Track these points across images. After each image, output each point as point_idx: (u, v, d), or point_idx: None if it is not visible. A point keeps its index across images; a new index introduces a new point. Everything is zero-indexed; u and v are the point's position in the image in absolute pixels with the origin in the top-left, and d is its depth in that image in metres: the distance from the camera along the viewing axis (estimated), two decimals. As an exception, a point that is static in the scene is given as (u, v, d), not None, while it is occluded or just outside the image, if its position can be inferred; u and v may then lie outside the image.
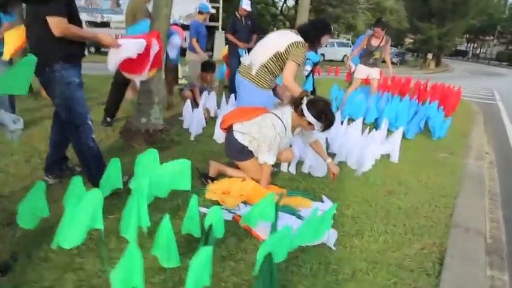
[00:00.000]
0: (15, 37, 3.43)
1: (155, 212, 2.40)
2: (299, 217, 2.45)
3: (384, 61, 5.94)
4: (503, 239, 2.72)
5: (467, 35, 50.95)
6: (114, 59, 2.56)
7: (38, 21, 2.22)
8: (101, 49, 14.75)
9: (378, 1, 26.18)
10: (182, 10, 15.97)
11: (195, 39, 6.05)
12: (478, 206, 3.04)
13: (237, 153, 2.83)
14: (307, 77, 7.71)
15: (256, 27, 6.81)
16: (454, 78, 18.59)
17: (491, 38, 52.61)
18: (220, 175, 2.99)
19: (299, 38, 2.96)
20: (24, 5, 2.43)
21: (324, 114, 2.64)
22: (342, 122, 4.13)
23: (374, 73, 5.74)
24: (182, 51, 9.69)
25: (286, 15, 24.33)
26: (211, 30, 18.00)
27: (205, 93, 5.22)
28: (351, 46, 21.15)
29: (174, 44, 4.82)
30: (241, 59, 5.59)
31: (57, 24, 2.19)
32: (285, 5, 26.49)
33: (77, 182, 1.99)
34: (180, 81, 8.17)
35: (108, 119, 4.48)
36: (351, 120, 4.33)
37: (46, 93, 2.54)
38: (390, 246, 2.28)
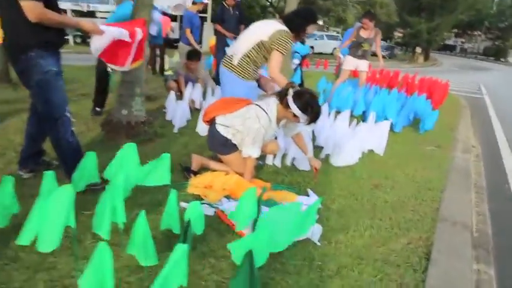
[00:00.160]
0: None
1: (134, 207, 2.31)
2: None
3: (374, 54, 5.89)
4: (489, 233, 2.70)
5: (456, 30, 51.39)
6: (97, 43, 2.45)
7: (12, 6, 2.08)
8: (86, 39, 14.43)
9: (367, -6, 26.11)
10: (170, 1, 15.66)
11: (189, 29, 5.90)
12: (464, 200, 3.01)
13: (220, 146, 2.74)
14: (295, 69, 7.64)
15: (244, 17, 6.68)
16: (442, 72, 18.72)
17: (479, 33, 53.17)
18: (204, 169, 2.90)
19: (283, 27, 2.87)
20: None
21: (310, 107, 2.56)
22: (329, 114, 4.06)
23: (362, 65, 5.67)
24: (169, 42, 9.55)
25: (276, 7, 24.12)
26: (201, 22, 17.78)
27: (190, 84, 5.08)
28: (340, 39, 21.10)
29: (153, 19, 4.68)
30: (226, 49, 5.48)
31: (31, 9, 2.05)
32: (274, -4, 26.25)
33: (49, 178, 1.88)
34: (166, 73, 8.01)
35: (98, 109, 4.42)
36: (338, 112, 4.26)
37: (22, 82, 2.40)
38: (376, 241, 2.23)
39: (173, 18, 14.99)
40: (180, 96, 4.98)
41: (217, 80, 5.54)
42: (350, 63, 5.70)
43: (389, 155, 3.80)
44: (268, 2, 25.79)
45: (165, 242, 2.03)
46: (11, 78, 5.63)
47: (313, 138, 3.80)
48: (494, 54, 51.25)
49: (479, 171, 4.02)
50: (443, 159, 3.95)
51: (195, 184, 2.64)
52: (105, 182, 2.21)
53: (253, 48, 2.85)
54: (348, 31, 7.18)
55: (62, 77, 2.41)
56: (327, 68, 12.08)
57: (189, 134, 3.92)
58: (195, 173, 2.83)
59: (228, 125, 2.68)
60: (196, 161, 2.87)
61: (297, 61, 7.51)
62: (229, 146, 2.70)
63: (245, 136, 2.61)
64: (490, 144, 5.37)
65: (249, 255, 1.52)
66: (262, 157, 3.16)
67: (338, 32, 28.41)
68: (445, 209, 2.72)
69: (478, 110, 8.27)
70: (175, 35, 16.33)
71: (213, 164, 2.87)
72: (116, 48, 2.60)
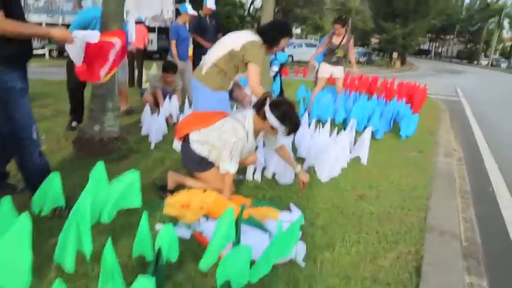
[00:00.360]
0: None
1: (105, 231, 2.14)
2: (265, 231, 2.24)
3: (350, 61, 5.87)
4: (478, 240, 2.63)
5: (430, 35, 52.96)
6: (74, 52, 2.30)
7: None
8: (64, 53, 14.08)
9: (343, 2, 26.59)
10: (148, 11, 15.51)
11: (174, 41, 5.73)
12: (450, 207, 2.94)
13: (195, 164, 2.59)
14: (274, 77, 7.57)
15: (222, 26, 6.60)
16: (419, 76, 19.10)
17: (451, 37, 54.91)
18: (181, 186, 2.74)
19: (256, 38, 2.78)
20: None
21: (288, 117, 2.43)
22: (309, 124, 3.97)
23: (337, 72, 5.63)
24: (147, 55, 9.35)
25: (254, 17, 24.26)
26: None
27: (167, 97, 4.92)
28: (318, 47, 21.32)
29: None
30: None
31: None
32: (252, 6, 26.44)
33: (5, 204, 1.70)
34: (144, 85, 7.82)
35: (73, 124, 4.22)
36: (319, 121, 4.18)
37: None
38: (363, 257, 2.11)
39: (151, 29, 14.82)
40: (157, 109, 4.81)
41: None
42: (325, 70, 5.66)
43: (372, 164, 3.72)
44: (246, 12, 25.93)
45: (139, 270, 1.86)
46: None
47: (294, 149, 3.69)
48: (468, 57, 53.01)
49: (463, 175, 3.99)
50: (427, 165, 3.90)
51: (171, 204, 2.47)
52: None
53: (222, 57, 2.74)
54: (323, 38, 7.20)
55: (28, 94, 2.23)
56: (306, 76, 12.09)
57: (165, 149, 3.75)
58: (171, 192, 2.66)
59: (203, 141, 2.53)
60: (172, 179, 2.71)
61: (276, 68, 7.44)
62: (205, 164, 2.56)
63: (221, 150, 2.47)
64: (470, 146, 5.39)
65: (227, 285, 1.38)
66: (242, 171, 3.03)
67: (316, 39, 28.76)
68: (432, 218, 2.64)
69: (456, 112, 8.37)
70: (153, 47, 16.15)
71: (190, 182, 2.71)
72: (92, 62, 2.47)
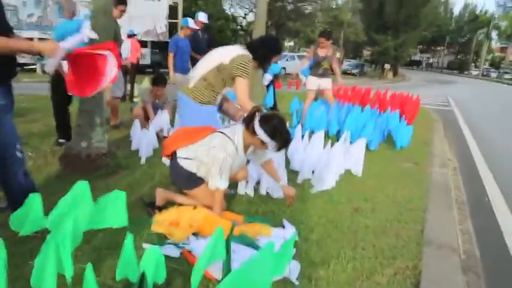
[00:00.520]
0: None
1: (89, 252, 2.05)
2: (258, 249, 2.15)
3: (344, 72, 5.91)
4: (477, 253, 2.56)
5: (421, 46, 53.76)
6: (51, 60, 2.18)
7: None
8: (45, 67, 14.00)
9: (335, 15, 26.94)
10: (140, 26, 15.53)
11: (172, 54, 5.68)
12: (447, 219, 2.88)
13: (184, 181, 2.50)
14: (268, 86, 7.55)
15: (214, 40, 6.60)
16: (412, 87, 19.25)
17: (442, 48, 55.73)
18: (170, 203, 2.65)
19: (245, 52, 2.73)
20: None
21: (279, 132, 2.35)
22: (302, 136, 3.91)
23: (324, 83, 5.67)
24: (139, 69, 9.31)
25: (247, 31, 24.43)
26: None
27: (159, 111, 4.85)
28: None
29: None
30: None
31: None
32: (245, 20, 26.67)
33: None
34: (135, 99, 7.76)
35: (61, 140, 4.10)
36: (313, 133, 4.12)
37: None
38: (360, 274, 2.03)
39: (144, 44, 14.84)
40: (147, 124, 4.73)
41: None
42: (312, 82, 5.70)
43: (367, 175, 3.66)
44: (239, 26, 26.14)
45: (123, 294, 1.77)
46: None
47: (287, 162, 3.62)
48: (458, 67, 53.76)
49: (458, 186, 3.94)
50: (422, 176, 3.85)
51: (159, 221, 2.38)
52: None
53: (210, 71, 2.69)
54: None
55: (12, 111, 2.14)
56: (299, 88, 12.10)
57: (156, 164, 3.66)
58: (160, 209, 2.57)
59: (191, 157, 2.46)
60: (160, 195, 2.62)
61: (269, 77, 7.42)
62: (194, 180, 2.47)
63: (210, 166, 2.39)
64: (464, 156, 5.36)
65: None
66: (233, 186, 2.95)
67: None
68: (429, 231, 2.57)
69: (449, 122, 8.38)
70: (146, 61, 16.15)
71: (179, 198, 2.62)
72: (84, 74, 2.38)
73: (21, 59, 13.31)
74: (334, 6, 28.48)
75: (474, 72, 49.23)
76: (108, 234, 2.19)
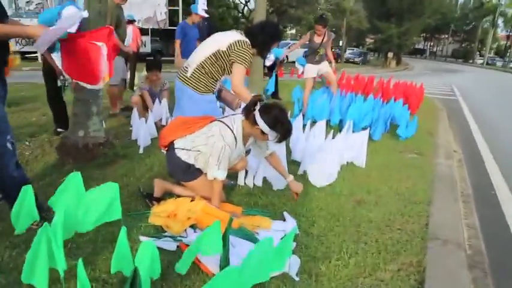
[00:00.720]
0: None
1: (85, 244, 1.99)
2: (256, 243, 2.08)
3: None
4: (483, 248, 2.48)
5: (424, 34, 53.06)
6: (40, 40, 2.08)
7: None
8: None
9: (337, 2, 26.51)
10: (141, 13, 15.31)
11: (179, 41, 5.54)
12: (453, 212, 2.80)
13: (182, 173, 2.42)
14: (271, 69, 7.42)
15: (215, 27, 6.45)
16: (415, 75, 19.03)
17: (446, 36, 55.05)
18: (169, 194, 2.58)
19: (243, 38, 2.63)
20: None
21: (280, 123, 2.26)
22: (304, 126, 3.81)
23: (323, 67, 5.64)
24: (140, 57, 9.20)
25: (248, 18, 24.11)
26: (172, 35, 17.43)
27: (156, 101, 4.74)
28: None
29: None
30: None
31: None
32: (246, 7, 26.31)
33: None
34: (135, 88, 7.65)
35: (59, 129, 4.05)
36: (314, 122, 4.02)
37: None
38: (362, 270, 1.96)
39: (144, 31, 14.64)
40: (142, 112, 4.63)
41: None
42: (311, 70, 5.66)
43: (370, 167, 3.57)
44: (240, 13, 25.81)
45: (119, 287, 1.71)
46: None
47: (288, 152, 3.53)
48: (463, 56, 53.15)
49: (464, 177, 3.86)
50: (427, 167, 3.76)
51: (157, 213, 2.32)
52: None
53: (208, 58, 2.59)
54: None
55: (4, 101, 2.06)
56: (301, 76, 11.93)
57: (154, 153, 3.59)
58: (158, 200, 2.51)
59: (189, 148, 2.37)
60: (159, 186, 2.55)
61: (272, 57, 7.30)
62: (192, 172, 2.39)
63: (208, 157, 2.31)
64: (470, 146, 5.27)
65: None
66: (233, 176, 2.88)
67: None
68: (434, 225, 2.49)
69: (454, 112, 8.25)
70: (146, 49, 15.97)
71: (178, 189, 2.56)
72: (83, 64, 2.37)
73: (23, 48, 13.19)
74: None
75: (479, 61, 48.68)
76: (103, 226, 2.12)
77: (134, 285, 1.47)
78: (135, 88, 7.64)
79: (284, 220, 2.40)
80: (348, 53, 30.48)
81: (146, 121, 3.92)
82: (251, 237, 2.12)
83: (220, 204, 2.42)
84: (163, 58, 16.23)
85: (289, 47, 7.35)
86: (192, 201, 2.38)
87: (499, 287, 2.09)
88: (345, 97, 5.81)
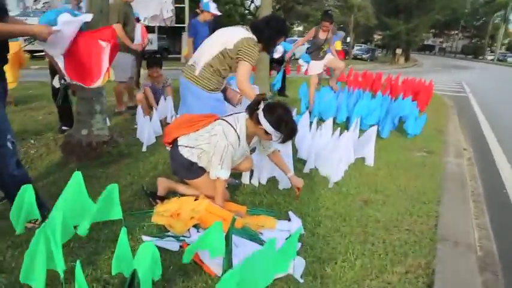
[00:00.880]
0: None
1: (86, 244, 1.96)
2: (261, 243, 2.04)
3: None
4: (495, 250, 2.41)
5: (433, 30, 52.33)
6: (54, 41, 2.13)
7: None
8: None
9: (345, -2, 26.27)
10: (147, 11, 15.31)
11: (192, 39, 5.49)
12: (463, 213, 2.73)
13: (185, 171, 2.38)
14: (280, 64, 7.37)
15: (220, 23, 6.40)
16: (424, 72, 18.79)
17: (456, 32, 54.27)
18: (173, 193, 2.55)
19: (250, 35, 2.57)
20: None
21: (284, 122, 2.21)
22: (310, 123, 3.75)
23: (328, 59, 5.65)
24: (146, 54, 9.20)
25: (255, 15, 24.01)
26: (178, 32, 17.43)
27: (162, 99, 4.70)
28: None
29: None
30: None
31: None
32: (253, 4, 26.20)
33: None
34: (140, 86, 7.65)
35: (64, 128, 4.03)
36: (321, 121, 3.96)
37: None
38: (369, 272, 1.91)
39: (150, 29, 14.64)
40: (147, 110, 4.59)
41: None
42: (316, 67, 5.64)
43: (377, 165, 3.50)
44: (247, 10, 25.72)
45: (120, 288, 1.69)
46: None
47: (294, 150, 3.48)
48: (473, 52, 52.37)
49: (474, 176, 3.77)
50: (436, 166, 3.67)
51: (160, 212, 2.29)
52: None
53: (216, 57, 2.55)
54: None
55: (4, 100, 2.04)
56: (307, 73, 11.83)
57: (159, 152, 3.56)
58: (162, 199, 2.48)
59: (192, 146, 2.33)
60: (162, 185, 2.52)
61: (281, 48, 7.23)
62: (195, 170, 2.36)
63: (211, 155, 2.27)
64: (480, 145, 5.16)
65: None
66: (238, 175, 2.84)
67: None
68: (443, 226, 2.42)
69: (464, 109, 8.11)
70: (153, 47, 15.98)
71: (181, 188, 2.52)
72: (83, 64, 2.35)
73: (31, 47, 13.29)
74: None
75: (489, 57, 47.88)
76: (105, 225, 2.11)
77: (133, 287, 1.43)
78: (140, 87, 7.65)
79: (289, 220, 2.35)
80: (356, 50, 30.23)
81: (151, 119, 3.89)
82: (255, 237, 2.08)
83: (225, 203, 2.38)
84: (170, 56, 16.24)
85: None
86: (195, 200, 2.35)
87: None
88: (352, 94, 5.74)
